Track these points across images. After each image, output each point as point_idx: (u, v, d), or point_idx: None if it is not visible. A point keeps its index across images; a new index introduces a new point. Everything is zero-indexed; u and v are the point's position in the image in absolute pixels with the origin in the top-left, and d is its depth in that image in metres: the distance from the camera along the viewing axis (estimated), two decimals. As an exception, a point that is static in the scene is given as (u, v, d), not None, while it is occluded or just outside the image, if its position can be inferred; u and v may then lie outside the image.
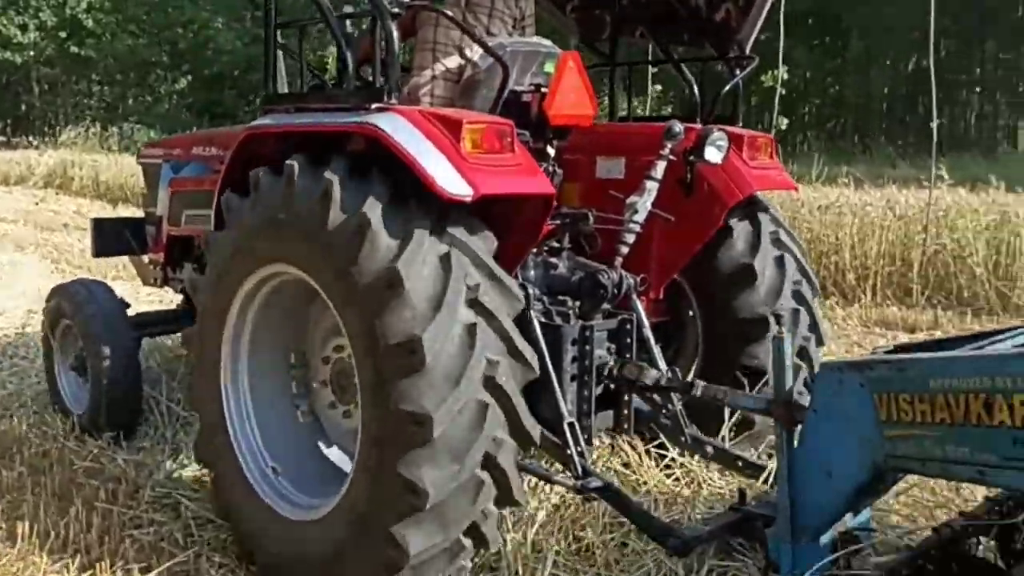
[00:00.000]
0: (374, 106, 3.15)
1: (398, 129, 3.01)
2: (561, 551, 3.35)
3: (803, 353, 4.21)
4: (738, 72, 4.44)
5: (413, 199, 3.00)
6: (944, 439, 2.46)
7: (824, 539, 3.00)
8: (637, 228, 3.83)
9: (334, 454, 3.68)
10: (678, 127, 3.89)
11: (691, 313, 4.52)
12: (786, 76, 9.71)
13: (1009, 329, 3.03)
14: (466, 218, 3.09)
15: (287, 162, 3.16)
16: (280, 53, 3.64)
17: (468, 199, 2.95)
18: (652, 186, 3.86)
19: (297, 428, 3.70)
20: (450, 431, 2.80)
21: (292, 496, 3.47)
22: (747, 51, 4.43)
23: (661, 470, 3.88)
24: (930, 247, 9.10)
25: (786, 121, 9.65)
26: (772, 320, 4.11)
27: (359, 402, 3.20)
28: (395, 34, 3.13)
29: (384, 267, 2.87)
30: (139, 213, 5.92)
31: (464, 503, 2.90)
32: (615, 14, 4.89)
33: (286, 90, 3.64)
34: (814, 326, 4.29)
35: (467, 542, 2.99)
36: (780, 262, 4.22)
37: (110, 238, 5.82)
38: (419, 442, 2.79)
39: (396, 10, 3.17)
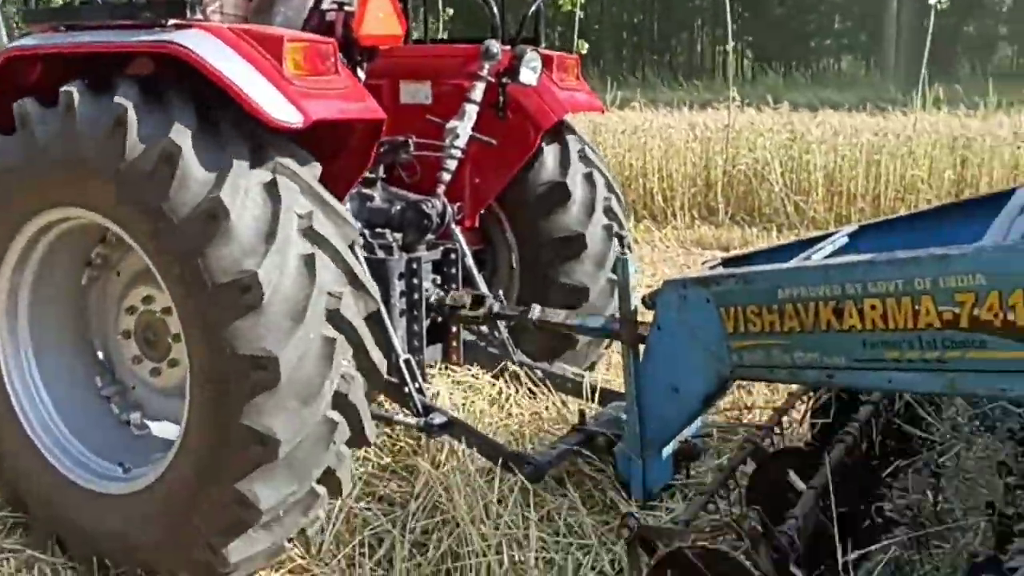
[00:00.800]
0: (171, 22, 2.76)
1: (209, 49, 2.66)
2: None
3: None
4: None
5: (226, 124, 2.70)
6: (793, 346, 2.57)
7: (666, 451, 3.12)
8: (458, 154, 3.71)
9: (137, 417, 3.32)
10: (496, 47, 3.77)
11: (504, 237, 4.47)
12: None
13: (822, 237, 3.22)
14: (287, 144, 2.83)
15: (63, 89, 2.72)
16: None
17: (297, 126, 2.69)
18: (472, 109, 3.73)
19: (100, 400, 3.31)
20: (297, 371, 2.59)
21: (98, 467, 3.12)
22: None
23: (494, 401, 3.85)
24: (731, 167, 9.61)
25: (586, 45, 9.78)
26: (588, 238, 4.14)
27: (183, 354, 2.90)
28: None
29: (203, 199, 2.55)
30: None
31: (318, 448, 2.72)
32: None
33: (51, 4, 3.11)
34: (623, 240, 4.38)
35: (321, 489, 2.82)
36: (589, 179, 4.23)
37: None
38: (264, 387, 2.55)
39: None
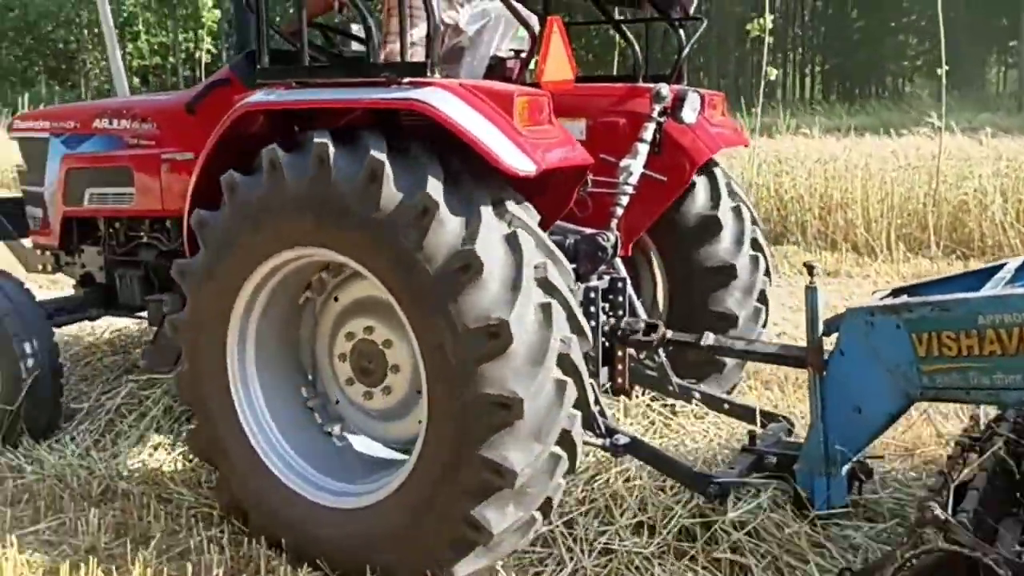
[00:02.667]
0: (407, 80, 3.05)
1: (449, 104, 2.92)
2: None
3: (763, 297, 4.52)
4: (681, 33, 4.60)
5: (469, 176, 2.96)
6: (993, 369, 2.77)
7: (844, 469, 3.30)
8: (630, 190, 3.93)
9: (337, 429, 3.60)
10: (666, 90, 4.01)
11: (650, 266, 4.72)
12: (771, 25, 9.65)
13: (1000, 266, 3.40)
14: (514, 193, 3.09)
15: (317, 140, 3.00)
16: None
17: (532, 174, 2.94)
18: (643, 148, 3.97)
19: (305, 409, 3.60)
20: (534, 411, 2.82)
21: (320, 481, 3.39)
22: (691, 12, 4.59)
23: (662, 422, 4.06)
24: (946, 196, 8.98)
25: (775, 72, 9.59)
26: (738, 268, 4.37)
27: (399, 384, 3.21)
28: (435, 4, 3.03)
29: (457, 250, 2.81)
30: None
31: (544, 479, 2.96)
32: None
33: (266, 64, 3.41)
34: (767, 271, 4.60)
35: (538, 514, 3.05)
36: (738, 212, 4.49)
37: None
38: (505, 424, 2.80)
39: None
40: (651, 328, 3.80)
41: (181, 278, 3.48)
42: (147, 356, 4.22)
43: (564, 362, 2.95)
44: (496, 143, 2.90)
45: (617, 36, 4.86)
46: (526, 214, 3.09)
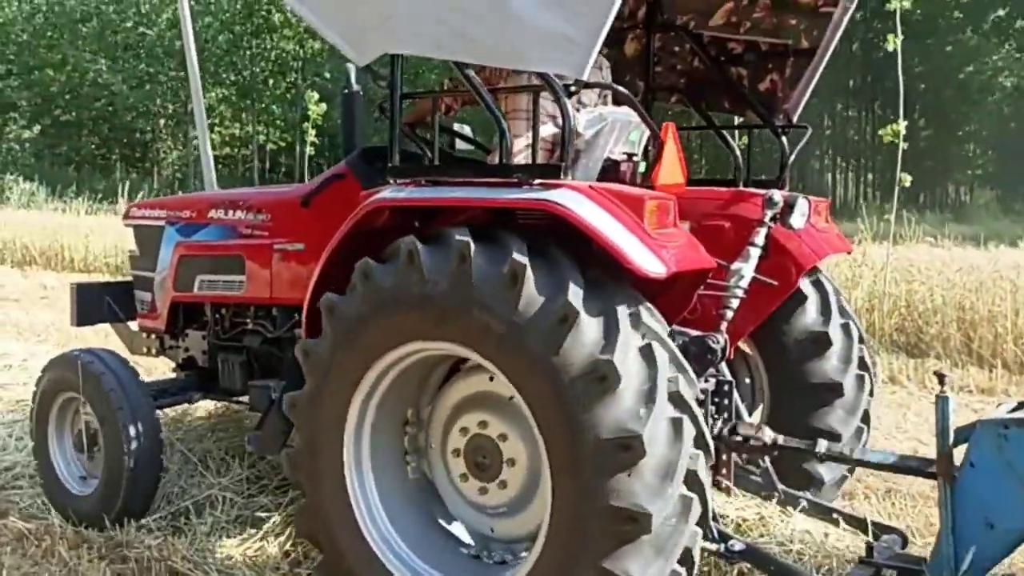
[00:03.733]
0: (537, 182, 3.13)
1: (583, 206, 2.99)
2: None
3: (866, 417, 4.46)
4: (784, 141, 4.67)
5: (603, 282, 2.99)
6: None
7: (972, 585, 3.19)
8: (741, 294, 3.95)
9: (457, 527, 3.59)
10: (777, 196, 4.07)
11: (748, 371, 4.69)
12: (904, 131, 9.28)
13: None
14: (644, 299, 3.12)
15: (458, 236, 3.05)
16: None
17: (662, 276, 2.97)
18: (754, 252, 4.00)
19: (409, 490, 3.61)
20: (660, 527, 2.80)
21: (417, 566, 3.39)
22: (794, 120, 4.67)
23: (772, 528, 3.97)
24: None
25: (909, 178, 9.17)
26: (845, 387, 4.32)
27: (514, 478, 3.21)
28: (570, 110, 3.14)
29: (595, 359, 2.81)
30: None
31: None
32: (649, 79, 5.05)
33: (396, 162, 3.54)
34: (871, 390, 4.54)
35: None
36: (847, 329, 4.45)
37: (93, 305, 5.50)
38: (630, 538, 2.78)
39: (572, 87, 3.19)
40: (758, 433, 3.76)
41: (304, 358, 3.54)
42: (254, 441, 4.29)
43: (690, 478, 2.94)
44: (628, 245, 2.95)
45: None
46: (658, 324, 3.11)
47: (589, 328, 2.84)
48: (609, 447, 2.76)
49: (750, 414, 4.65)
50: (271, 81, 41.46)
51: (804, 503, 4.02)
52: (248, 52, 40.58)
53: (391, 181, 3.53)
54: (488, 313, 2.96)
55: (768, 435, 3.76)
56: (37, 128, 37.39)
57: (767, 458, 4.04)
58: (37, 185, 26.26)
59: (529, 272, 2.90)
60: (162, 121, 42.13)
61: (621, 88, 3.79)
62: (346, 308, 3.37)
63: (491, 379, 3.38)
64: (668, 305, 3.34)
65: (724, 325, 3.92)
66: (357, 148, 4.47)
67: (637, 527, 2.75)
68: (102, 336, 7.42)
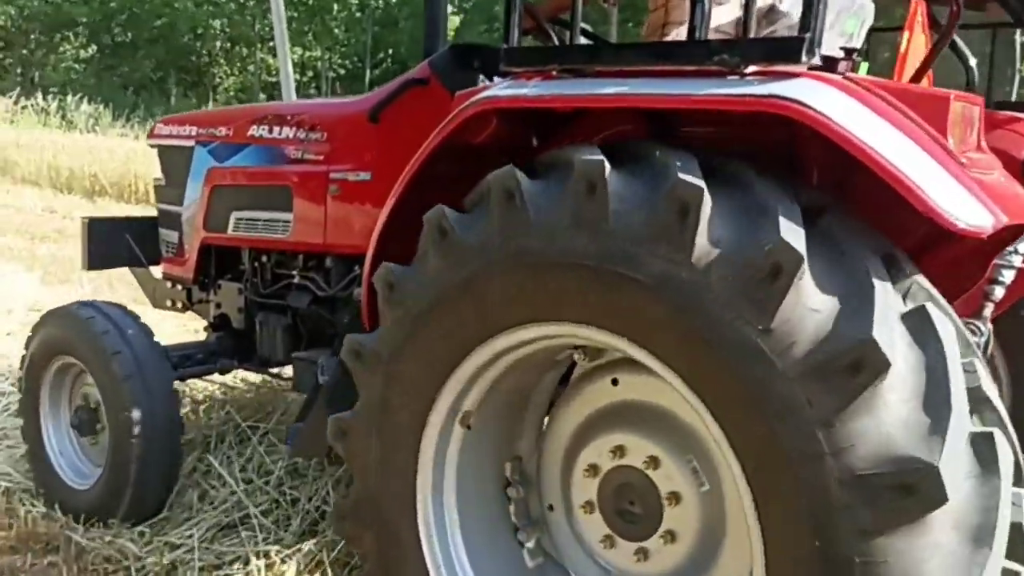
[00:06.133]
0: (752, 69, 1.90)
1: (841, 108, 1.79)
2: None
3: None
4: None
5: (844, 225, 1.88)
6: None
7: None
8: (1019, 262, 2.69)
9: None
10: None
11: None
12: None
13: None
14: (906, 257, 1.98)
15: (583, 157, 1.91)
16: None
17: (987, 232, 1.81)
18: None
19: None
20: None
21: None
22: None
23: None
24: None
25: None
26: None
27: (684, 525, 2.06)
28: None
29: (837, 337, 1.66)
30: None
31: None
32: None
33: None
34: None
35: None
36: None
37: (110, 244, 4.42)
38: None
39: None
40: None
41: (355, 359, 2.40)
42: (294, 439, 3.19)
43: (1016, 537, 1.74)
44: (931, 180, 1.76)
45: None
46: (932, 294, 1.97)
47: (822, 288, 1.70)
48: (876, 489, 1.62)
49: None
50: (336, 6, 40.08)
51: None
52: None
53: (504, 76, 2.35)
54: (640, 273, 1.83)
55: None
56: (94, 48, 36.57)
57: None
58: (102, 107, 25.18)
59: (707, 202, 1.77)
60: (218, 43, 41.09)
61: None
62: (413, 284, 2.22)
63: (614, 383, 2.26)
64: (948, 279, 2.18)
65: (989, 309, 2.68)
66: (443, 47, 3.26)
67: None
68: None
